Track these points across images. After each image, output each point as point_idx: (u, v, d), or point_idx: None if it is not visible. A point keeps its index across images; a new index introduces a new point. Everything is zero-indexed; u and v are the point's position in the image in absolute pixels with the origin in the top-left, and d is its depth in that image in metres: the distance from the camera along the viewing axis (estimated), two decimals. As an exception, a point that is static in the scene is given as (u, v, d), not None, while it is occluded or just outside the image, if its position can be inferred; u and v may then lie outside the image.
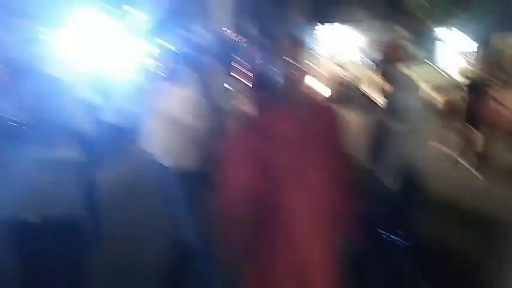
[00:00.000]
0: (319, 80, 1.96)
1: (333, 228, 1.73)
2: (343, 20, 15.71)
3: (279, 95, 1.71)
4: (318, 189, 1.66)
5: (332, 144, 1.75)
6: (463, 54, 12.96)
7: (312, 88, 1.74)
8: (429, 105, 9.22)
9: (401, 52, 2.62)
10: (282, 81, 1.66)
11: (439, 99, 9.31)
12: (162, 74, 3.33)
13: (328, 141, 1.73)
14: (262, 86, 5.18)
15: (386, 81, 2.68)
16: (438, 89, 9.54)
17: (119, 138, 6.17)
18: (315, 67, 2.13)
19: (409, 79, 2.64)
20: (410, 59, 2.66)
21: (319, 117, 1.75)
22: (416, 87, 2.71)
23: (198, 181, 3.10)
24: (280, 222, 1.65)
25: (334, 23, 15.11)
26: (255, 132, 1.71)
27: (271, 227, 1.66)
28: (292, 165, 1.64)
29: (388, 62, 2.62)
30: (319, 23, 16.20)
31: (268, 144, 1.66)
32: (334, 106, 1.92)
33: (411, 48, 2.75)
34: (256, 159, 1.67)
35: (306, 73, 1.67)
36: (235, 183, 1.72)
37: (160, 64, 3.38)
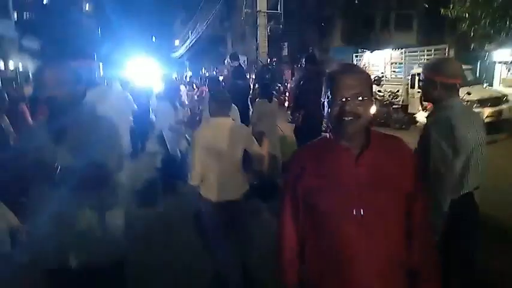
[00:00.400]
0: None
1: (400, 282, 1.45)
2: (389, 45, 15.47)
3: (330, 126, 1.46)
4: (381, 238, 1.39)
5: (400, 185, 1.43)
6: (510, 65, 12.42)
7: (369, 116, 1.42)
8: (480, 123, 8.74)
9: (447, 72, 2.45)
10: (330, 109, 1.41)
11: (486, 112, 8.93)
12: (204, 103, 3.35)
13: (396, 182, 1.42)
14: (308, 114, 5.20)
15: (430, 102, 2.54)
16: (485, 101, 9.16)
17: (162, 172, 6.32)
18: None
19: (457, 101, 2.40)
20: (456, 78, 2.46)
21: (383, 151, 1.45)
22: (465, 109, 2.48)
23: (240, 213, 3.08)
24: (338, 272, 1.41)
25: (384, 49, 14.91)
26: (305, 168, 1.49)
27: (329, 276, 1.45)
28: (349, 209, 1.38)
29: (431, 82, 2.47)
30: (366, 49, 16.04)
31: (320, 182, 1.44)
32: (401, 139, 1.57)
33: (457, 67, 2.54)
34: (308, 200, 1.47)
35: (359, 101, 1.38)
36: (287, 227, 1.58)
37: (202, 93, 3.42)
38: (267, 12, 11.68)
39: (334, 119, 1.41)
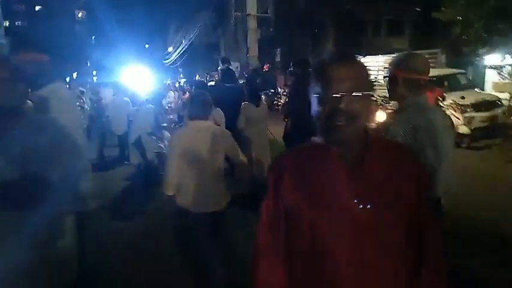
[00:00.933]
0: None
1: None
2: (381, 50, 15.45)
3: (320, 128, 1.18)
4: (380, 267, 1.13)
5: (406, 203, 1.16)
6: (501, 69, 12.38)
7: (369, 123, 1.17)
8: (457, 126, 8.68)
9: (409, 67, 2.13)
10: (320, 108, 1.14)
11: (481, 117, 8.82)
12: (189, 107, 3.07)
13: (401, 199, 1.15)
14: (297, 120, 5.00)
15: (394, 100, 2.26)
16: (479, 106, 9.04)
17: (137, 179, 6.06)
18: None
19: (420, 100, 2.16)
20: (420, 74, 2.14)
21: (385, 161, 1.18)
22: (429, 109, 2.26)
23: (221, 225, 2.82)
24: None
25: (376, 55, 14.87)
26: (287, 181, 1.22)
27: None
28: (342, 231, 1.13)
29: (393, 78, 2.16)
30: (358, 55, 16.01)
31: (306, 198, 1.17)
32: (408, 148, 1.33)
33: (422, 62, 2.31)
34: (292, 220, 1.21)
35: (356, 97, 1.11)
36: (265, 255, 1.28)
37: (189, 96, 3.12)
38: (257, 16, 11.56)
39: (325, 120, 1.13)
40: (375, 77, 13.60)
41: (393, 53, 13.99)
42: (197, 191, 2.69)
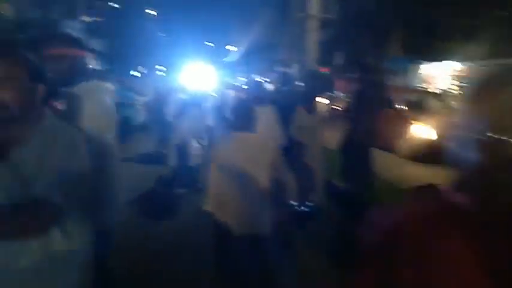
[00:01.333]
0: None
1: None
2: (454, 57, 14.41)
3: (469, 181, 0.83)
4: None
5: None
6: None
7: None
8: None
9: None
10: (486, 162, 0.78)
11: None
12: (232, 116, 2.77)
13: None
14: (357, 128, 4.54)
15: None
16: None
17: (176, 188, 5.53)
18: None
19: None
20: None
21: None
22: None
23: (268, 248, 2.53)
24: None
25: (444, 61, 13.90)
26: (407, 246, 0.85)
27: None
28: None
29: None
30: (426, 61, 15.04)
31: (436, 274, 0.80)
32: None
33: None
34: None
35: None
36: None
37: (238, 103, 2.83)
38: (318, 17, 11.18)
39: (486, 174, 0.77)
40: (450, 87, 12.66)
41: (467, 61, 12.91)
42: (239, 210, 2.45)
